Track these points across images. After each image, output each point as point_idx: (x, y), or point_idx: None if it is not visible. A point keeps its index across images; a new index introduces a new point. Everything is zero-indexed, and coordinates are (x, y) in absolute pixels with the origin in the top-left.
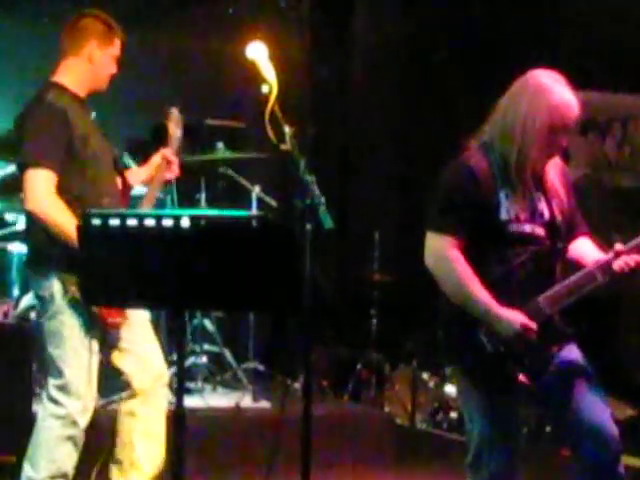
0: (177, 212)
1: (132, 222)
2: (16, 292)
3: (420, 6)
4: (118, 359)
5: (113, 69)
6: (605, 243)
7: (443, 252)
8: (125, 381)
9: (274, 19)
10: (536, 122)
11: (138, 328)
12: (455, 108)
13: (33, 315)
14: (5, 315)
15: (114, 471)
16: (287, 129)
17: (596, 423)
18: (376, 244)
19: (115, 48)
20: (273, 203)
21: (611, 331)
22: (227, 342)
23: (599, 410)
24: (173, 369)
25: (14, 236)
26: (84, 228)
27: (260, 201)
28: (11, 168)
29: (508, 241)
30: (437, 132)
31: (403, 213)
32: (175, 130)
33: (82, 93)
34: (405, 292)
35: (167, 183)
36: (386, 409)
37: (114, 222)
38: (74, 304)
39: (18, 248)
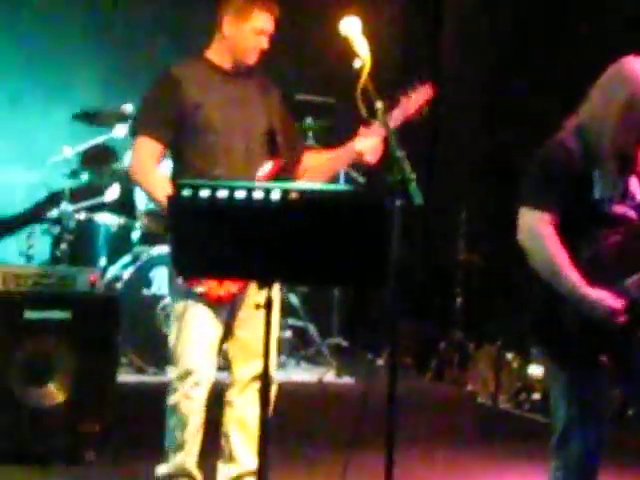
0: (268, 185)
1: (223, 194)
2: (103, 262)
3: None
4: (230, 342)
5: (256, 42)
6: None
7: (537, 228)
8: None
9: None
10: (615, 110)
11: (254, 319)
12: (549, 88)
13: (119, 285)
14: (92, 285)
15: (219, 462)
16: (379, 104)
17: None
18: (462, 223)
19: (254, 21)
20: (360, 179)
21: None
22: (311, 317)
23: None
24: None
25: (101, 207)
26: (174, 198)
27: (347, 176)
28: (102, 138)
29: (600, 221)
30: (528, 109)
31: (490, 193)
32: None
33: (226, 65)
34: (490, 272)
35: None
36: (469, 388)
37: (204, 193)
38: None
39: (105, 219)
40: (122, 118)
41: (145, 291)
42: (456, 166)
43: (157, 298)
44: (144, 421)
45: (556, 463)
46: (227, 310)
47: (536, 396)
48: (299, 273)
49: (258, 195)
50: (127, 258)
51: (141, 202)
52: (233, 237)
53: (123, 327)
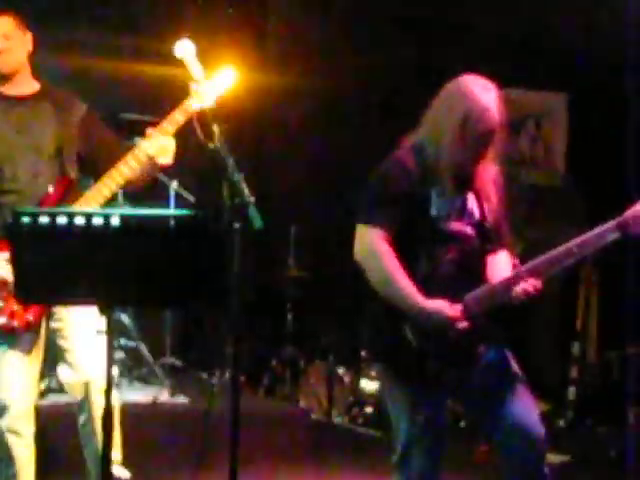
0: (107, 211)
1: (62, 220)
2: None
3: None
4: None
5: None
6: (517, 237)
7: (373, 245)
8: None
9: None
10: (452, 126)
11: (73, 332)
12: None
13: None
14: None
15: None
16: (215, 127)
17: (525, 422)
18: (292, 238)
19: None
20: (191, 198)
21: (524, 333)
22: (143, 337)
23: (528, 410)
24: None
25: None
26: (14, 226)
27: (178, 196)
28: None
29: (437, 238)
30: (355, 127)
31: (319, 208)
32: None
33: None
34: (320, 288)
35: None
36: (302, 404)
37: (44, 220)
38: None
39: None
40: None
41: None
42: (286, 179)
43: None
44: None
45: (397, 479)
46: (33, 337)
47: (369, 410)
48: (139, 296)
49: (97, 221)
50: None
51: None
52: (73, 262)
53: None
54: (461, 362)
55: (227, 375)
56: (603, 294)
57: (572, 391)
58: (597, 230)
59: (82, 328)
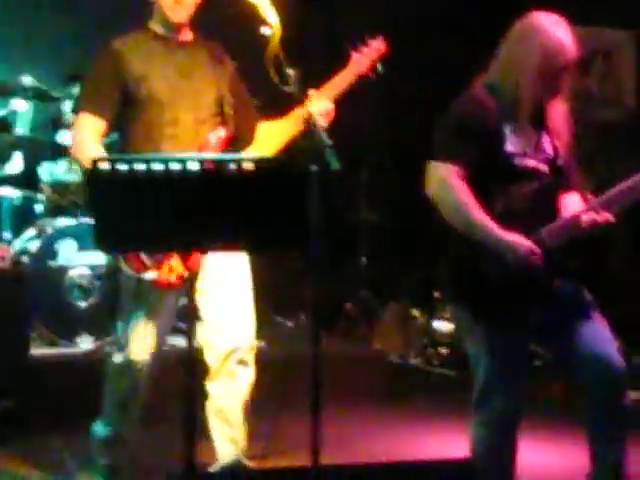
0: (185, 157)
1: (140, 167)
2: (8, 236)
3: None
4: (199, 329)
5: None
6: (589, 174)
7: (447, 180)
8: None
9: None
10: (530, 62)
11: (217, 294)
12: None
13: (25, 259)
14: (2, 259)
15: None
16: (291, 71)
17: (605, 352)
18: (364, 182)
19: None
20: None
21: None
22: None
23: (606, 342)
24: None
25: (4, 180)
26: (93, 173)
27: None
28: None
29: (512, 174)
30: (426, 70)
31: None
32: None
33: (164, 31)
34: (394, 231)
35: None
36: (377, 347)
37: (122, 167)
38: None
39: (8, 192)
40: (21, 90)
41: (51, 263)
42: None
43: (64, 269)
44: (60, 392)
45: (477, 419)
46: (180, 294)
47: (444, 351)
48: (225, 240)
49: (175, 166)
50: (32, 231)
51: (44, 174)
52: (154, 209)
53: (31, 300)
54: (539, 297)
55: (303, 318)
56: None
57: None
58: None
59: (226, 286)
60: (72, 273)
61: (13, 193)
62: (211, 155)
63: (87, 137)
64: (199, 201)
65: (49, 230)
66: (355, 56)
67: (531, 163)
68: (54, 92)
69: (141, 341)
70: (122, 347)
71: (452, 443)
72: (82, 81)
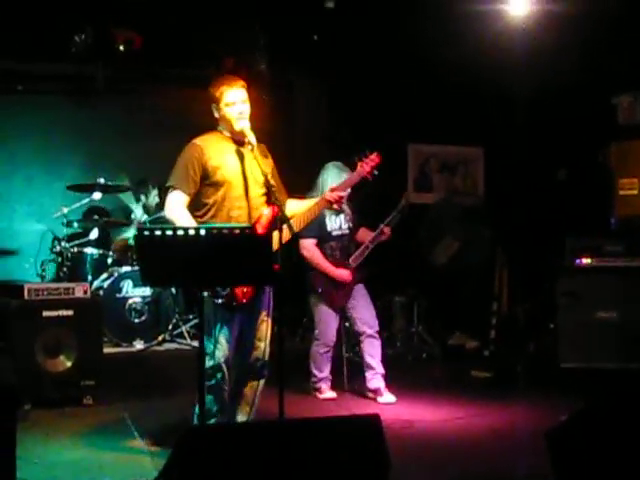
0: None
1: (168, 232)
2: (89, 278)
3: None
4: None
5: (233, 111)
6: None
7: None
8: None
9: None
10: None
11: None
12: None
13: (101, 292)
14: (84, 292)
15: None
16: None
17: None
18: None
19: (225, 98)
20: None
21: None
22: None
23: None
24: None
25: (87, 243)
26: (139, 237)
27: None
28: (86, 200)
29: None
30: None
31: None
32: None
33: (230, 135)
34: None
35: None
36: None
37: (157, 233)
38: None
39: (90, 250)
40: (98, 187)
41: (117, 295)
42: None
43: (125, 299)
44: (123, 377)
45: None
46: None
47: None
48: (217, 279)
49: (191, 232)
50: (105, 275)
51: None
52: (177, 259)
53: (104, 318)
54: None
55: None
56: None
57: (492, 333)
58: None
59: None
60: (130, 301)
61: (93, 251)
62: (214, 224)
63: (177, 207)
64: (206, 254)
65: (115, 274)
66: (359, 164)
67: (338, 232)
68: (119, 189)
69: (218, 349)
70: (211, 355)
71: None
72: (174, 167)
